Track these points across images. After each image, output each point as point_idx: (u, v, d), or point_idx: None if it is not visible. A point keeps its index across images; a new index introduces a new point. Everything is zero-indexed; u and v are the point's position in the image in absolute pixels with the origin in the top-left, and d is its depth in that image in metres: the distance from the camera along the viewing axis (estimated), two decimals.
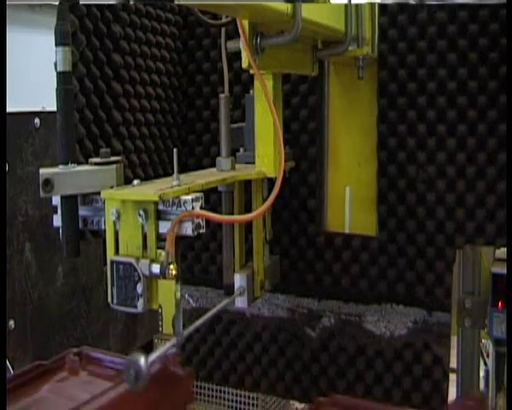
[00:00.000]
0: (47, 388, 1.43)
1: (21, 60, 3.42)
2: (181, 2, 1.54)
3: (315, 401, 1.45)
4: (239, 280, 1.97)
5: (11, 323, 2.70)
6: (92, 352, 1.58)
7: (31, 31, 3.56)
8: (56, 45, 1.57)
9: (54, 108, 1.59)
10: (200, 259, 2.52)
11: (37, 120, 2.82)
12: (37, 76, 3.20)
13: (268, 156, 1.85)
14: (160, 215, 1.46)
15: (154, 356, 1.40)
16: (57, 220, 1.60)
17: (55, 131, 1.58)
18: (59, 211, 1.59)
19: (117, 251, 1.49)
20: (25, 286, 2.78)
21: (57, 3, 1.60)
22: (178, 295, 1.48)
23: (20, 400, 1.38)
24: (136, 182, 1.56)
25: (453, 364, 2.32)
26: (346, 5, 1.81)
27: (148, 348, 3.54)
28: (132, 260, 1.44)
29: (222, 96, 1.90)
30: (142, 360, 1.34)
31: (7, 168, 2.63)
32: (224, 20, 1.94)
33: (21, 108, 2.75)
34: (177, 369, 1.46)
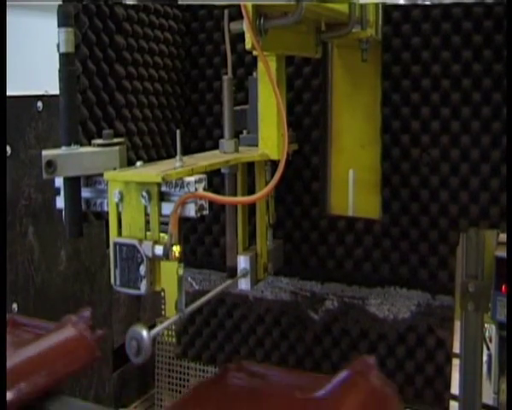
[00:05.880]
0: None
1: (25, 43, 3.41)
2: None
3: (221, 366, 1.39)
4: (242, 262, 1.97)
5: (14, 306, 2.70)
6: (21, 318, 1.57)
7: (33, 13, 3.55)
8: (59, 26, 1.55)
9: (57, 91, 1.58)
10: (203, 242, 2.52)
11: (39, 104, 2.81)
12: (41, 60, 3.19)
13: (271, 139, 1.84)
14: (163, 197, 1.46)
15: (156, 330, 1.41)
16: (60, 202, 1.60)
17: (58, 115, 1.57)
18: (62, 192, 1.59)
19: (120, 233, 1.48)
20: (28, 269, 2.78)
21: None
22: (181, 272, 1.47)
23: None
24: (139, 164, 1.55)
25: (456, 349, 2.32)
26: None
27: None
28: (135, 242, 1.43)
29: (225, 78, 1.89)
30: (144, 332, 1.34)
31: (9, 152, 2.63)
32: (227, 1, 1.93)
33: (24, 91, 2.74)
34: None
